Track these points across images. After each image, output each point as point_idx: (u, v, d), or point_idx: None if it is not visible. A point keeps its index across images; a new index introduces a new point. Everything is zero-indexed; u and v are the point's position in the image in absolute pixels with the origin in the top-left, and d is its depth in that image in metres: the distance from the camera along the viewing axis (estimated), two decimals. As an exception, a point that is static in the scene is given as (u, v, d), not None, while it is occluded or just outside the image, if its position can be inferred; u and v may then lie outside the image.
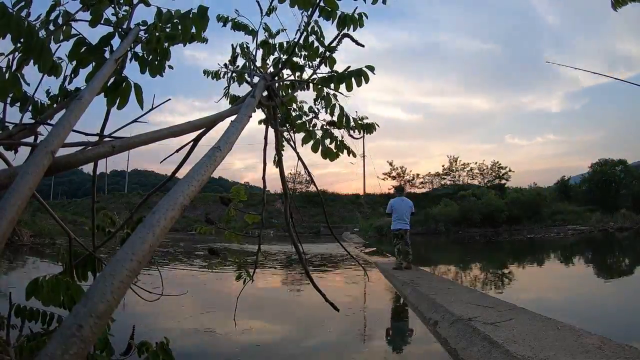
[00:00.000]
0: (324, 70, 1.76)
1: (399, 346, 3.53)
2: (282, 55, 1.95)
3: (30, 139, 1.23)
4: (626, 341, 2.64)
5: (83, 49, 1.26)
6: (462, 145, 74.37)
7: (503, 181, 31.93)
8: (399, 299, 5.40)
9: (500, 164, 32.51)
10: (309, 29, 1.72)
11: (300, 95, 1.97)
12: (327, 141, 1.86)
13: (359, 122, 1.88)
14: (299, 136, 1.88)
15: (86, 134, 1.11)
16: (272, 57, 2.02)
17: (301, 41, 1.75)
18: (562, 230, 20.56)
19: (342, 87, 1.66)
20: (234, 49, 2.06)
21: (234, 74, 2.05)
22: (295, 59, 1.85)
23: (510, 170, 32.18)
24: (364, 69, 1.61)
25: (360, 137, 1.98)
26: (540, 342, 2.69)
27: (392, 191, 32.06)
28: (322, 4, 1.54)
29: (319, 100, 1.86)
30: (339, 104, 1.82)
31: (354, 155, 1.95)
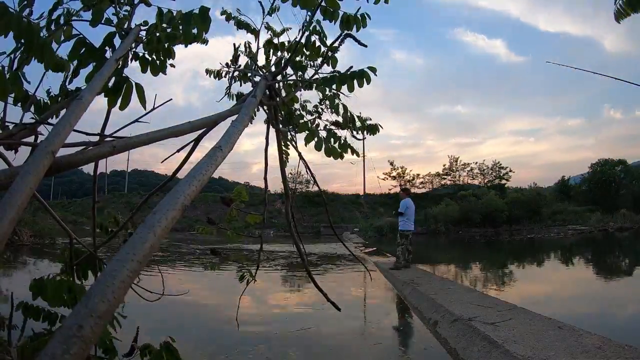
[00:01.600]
0: (326, 69, 1.76)
1: (399, 346, 3.53)
2: (284, 55, 1.95)
3: (31, 139, 1.22)
4: (626, 341, 2.64)
5: (83, 50, 1.26)
6: (540, 120, 61.04)
7: (503, 181, 32.00)
8: (399, 298, 5.40)
9: (500, 164, 32.62)
10: (311, 28, 1.72)
11: (304, 94, 1.97)
12: (331, 141, 1.86)
13: (363, 123, 1.88)
14: (301, 136, 1.88)
15: (87, 134, 1.11)
16: (274, 57, 2.02)
17: (303, 40, 1.75)
18: (562, 230, 20.56)
19: (344, 88, 1.66)
20: (235, 49, 2.06)
21: (235, 73, 2.05)
22: (297, 58, 1.84)
23: (510, 171, 32.32)
24: (366, 69, 1.61)
25: (363, 139, 1.98)
26: (540, 342, 2.69)
27: (391, 191, 32.47)
28: (323, 3, 1.54)
29: (323, 101, 1.86)
30: (342, 104, 1.83)
31: (357, 155, 1.95)
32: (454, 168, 34.00)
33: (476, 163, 33.45)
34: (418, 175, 34.62)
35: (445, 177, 34.29)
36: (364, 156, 34.47)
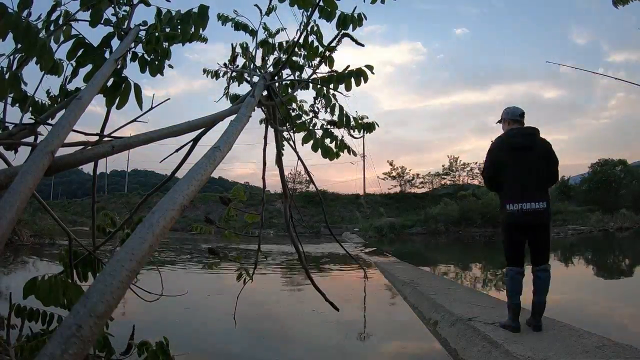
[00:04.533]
0: (323, 69, 1.76)
1: (399, 346, 3.53)
2: (281, 55, 1.95)
3: (30, 139, 1.22)
4: (626, 341, 2.64)
5: (82, 50, 1.26)
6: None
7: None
8: (399, 299, 5.40)
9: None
10: (309, 28, 1.72)
11: (300, 94, 1.97)
12: (327, 140, 1.86)
13: (359, 121, 1.88)
14: (299, 136, 1.88)
15: (86, 134, 1.11)
16: (272, 57, 2.01)
17: (301, 41, 1.75)
18: (562, 230, 20.54)
19: (342, 87, 1.67)
20: (233, 49, 2.06)
21: (233, 74, 2.04)
22: (294, 58, 1.85)
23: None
24: (364, 68, 1.62)
25: (361, 137, 1.98)
26: (541, 342, 2.69)
27: (391, 191, 32.73)
28: (321, 3, 1.54)
29: (318, 99, 1.86)
30: (338, 104, 1.83)
31: (355, 155, 1.95)
32: (453, 168, 34.12)
33: (476, 163, 33.63)
34: (418, 175, 34.78)
35: (445, 177, 34.40)
36: (363, 155, 34.59)
